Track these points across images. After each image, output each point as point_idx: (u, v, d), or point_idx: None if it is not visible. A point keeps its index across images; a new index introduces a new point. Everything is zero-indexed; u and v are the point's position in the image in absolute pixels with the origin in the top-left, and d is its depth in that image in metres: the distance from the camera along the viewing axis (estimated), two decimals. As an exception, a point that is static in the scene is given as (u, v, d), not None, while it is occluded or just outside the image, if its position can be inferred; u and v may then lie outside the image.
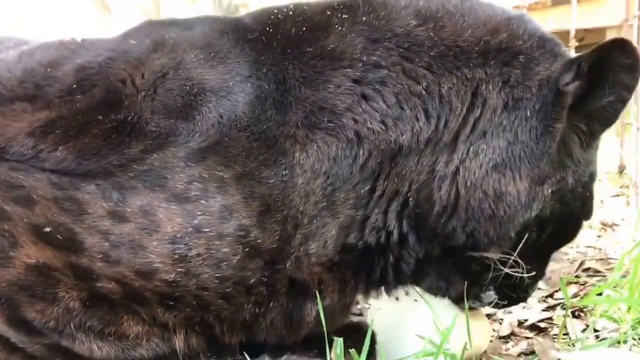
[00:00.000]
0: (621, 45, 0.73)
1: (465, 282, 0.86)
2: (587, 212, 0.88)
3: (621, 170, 2.07)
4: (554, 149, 0.78)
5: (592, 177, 0.86)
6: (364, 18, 0.81)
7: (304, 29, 0.82)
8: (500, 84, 0.78)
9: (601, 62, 0.74)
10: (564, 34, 1.94)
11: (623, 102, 0.78)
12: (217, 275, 0.75)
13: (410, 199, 0.79)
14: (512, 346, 1.05)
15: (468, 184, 0.77)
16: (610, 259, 1.41)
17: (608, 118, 0.80)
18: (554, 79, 0.77)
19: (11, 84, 0.81)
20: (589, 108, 0.78)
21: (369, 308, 1.10)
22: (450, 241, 0.80)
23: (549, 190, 0.79)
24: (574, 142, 0.80)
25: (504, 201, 0.77)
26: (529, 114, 0.77)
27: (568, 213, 0.83)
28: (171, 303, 0.76)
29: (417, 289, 0.94)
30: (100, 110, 0.77)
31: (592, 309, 1.11)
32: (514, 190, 0.77)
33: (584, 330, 1.04)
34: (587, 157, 0.83)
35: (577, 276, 1.31)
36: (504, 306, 0.95)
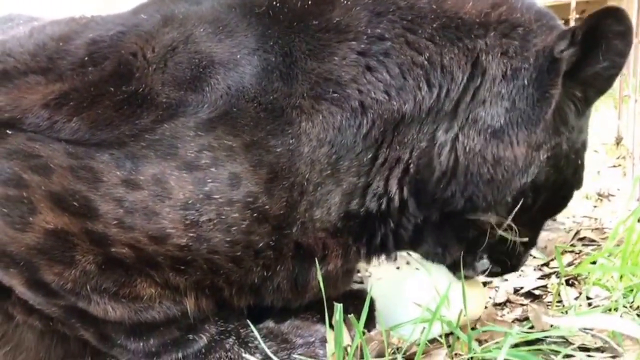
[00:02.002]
0: (614, 13, 0.76)
1: (461, 249, 0.89)
2: (578, 181, 0.91)
3: (618, 141, 2.10)
4: (550, 116, 0.81)
5: (583, 145, 0.89)
6: None
7: (310, 2, 0.84)
8: (499, 54, 0.81)
9: (595, 30, 0.77)
10: (565, 7, 1.94)
11: (617, 67, 0.80)
12: (227, 239, 0.78)
13: (411, 165, 0.82)
14: (508, 312, 1.09)
15: (467, 149, 0.80)
16: (606, 228, 1.44)
17: (602, 84, 0.83)
18: (550, 49, 0.79)
19: (24, 58, 0.83)
20: (584, 75, 0.81)
21: (369, 277, 1.14)
22: (449, 206, 0.84)
23: (545, 156, 0.82)
24: (569, 110, 0.83)
25: (502, 166, 0.80)
26: (526, 82, 0.80)
27: (562, 179, 0.86)
28: (182, 267, 0.80)
29: (418, 258, 0.97)
30: (111, 82, 0.79)
31: (586, 277, 1.15)
32: (512, 155, 0.80)
33: (577, 298, 1.08)
34: (580, 125, 0.86)
35: (572, 245, 1.35)
36: (497, 274, 0.99)
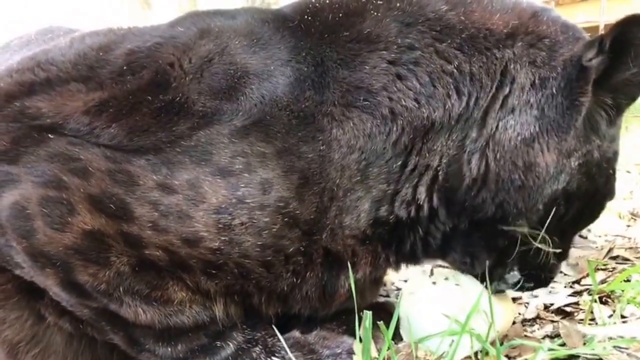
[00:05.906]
0: (639, 20, 0.76)
1: (490, 260, 0.88)
2: (610, 191, 0.90)
3: (653, 162, 2.06)
4: (580, 123, 0.81)
5: (615, 154, 0.88)
6: (398, 4, 0.86)
7: (341, 15, 0.87)
8: (527, 64, 0.82)
9: (622, 38, 0.78)
10: (593, 29, 1.94)
11: None
12: (259, 243, 0.79)
13: (440, 173, 0.83)
14: (538, 329, 1.06)
15: (497, 156, 0.81)
16: (640, 247, 1.41)
17: (633, 91, 0.83)
18: (577, 58, 0.81)
19: (66, 67, 0.87)
20: (614, 82, 0.82)
21: (400, 290, 1.13)
22: (479, 213, 0.84)
23: (576, 163, 0.82)
24: (600, 117, 0.84)
25: (533, 172, 0.81)
26: (554, 91, 0.81)
27: (594, 188, 0.86)
28: (214, 271, 0.81)
29: (456, 274, 0.96)
30: (149, 91, 0.82)
31: (620, 295, 1.11)
32: (543, 162, 0.81)
33: (610, 316, 1.05)
34: (612, 134, 0.86)
35: (605, 263, 1.32)
36: (528, 289, 0.97)
